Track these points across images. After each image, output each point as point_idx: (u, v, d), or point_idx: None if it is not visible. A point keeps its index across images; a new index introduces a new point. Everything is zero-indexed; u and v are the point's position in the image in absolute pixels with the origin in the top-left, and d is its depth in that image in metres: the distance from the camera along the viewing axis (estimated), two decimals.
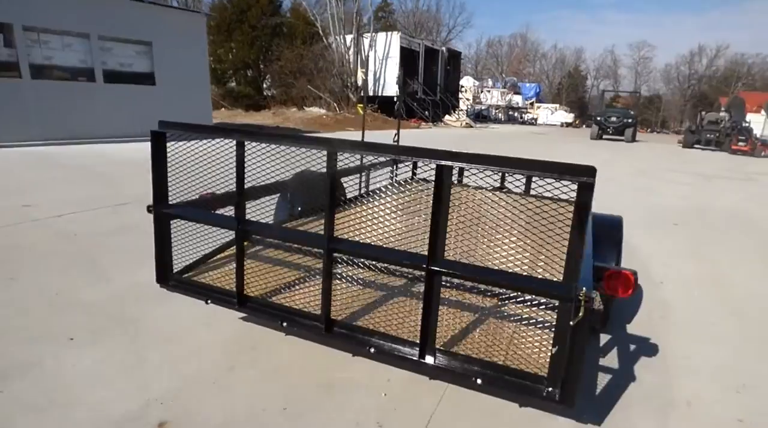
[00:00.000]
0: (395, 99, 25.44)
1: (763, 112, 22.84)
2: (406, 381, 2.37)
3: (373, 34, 25.30)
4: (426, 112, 27.29)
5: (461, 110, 33.44)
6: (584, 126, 42.94)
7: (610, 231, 3.05)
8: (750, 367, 2.72)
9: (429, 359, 1.92)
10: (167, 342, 2.61)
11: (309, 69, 24.14)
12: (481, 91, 47.75)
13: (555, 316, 2.24)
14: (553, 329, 1.78)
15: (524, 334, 2.06)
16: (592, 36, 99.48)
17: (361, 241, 2.09)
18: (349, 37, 24.76)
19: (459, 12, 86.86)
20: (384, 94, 26.12)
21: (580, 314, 1.65)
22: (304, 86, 23.79)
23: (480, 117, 39.89)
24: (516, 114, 47.33)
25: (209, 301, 2.35)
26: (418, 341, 1.92)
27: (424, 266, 1.83)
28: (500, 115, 45.23)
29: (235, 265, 2.24)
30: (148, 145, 2.30)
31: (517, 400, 2.24)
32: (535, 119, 43.09)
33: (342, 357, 2.55)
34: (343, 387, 2.32)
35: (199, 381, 2.28)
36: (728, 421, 2.24)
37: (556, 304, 1.79)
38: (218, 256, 2.74)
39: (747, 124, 17.34)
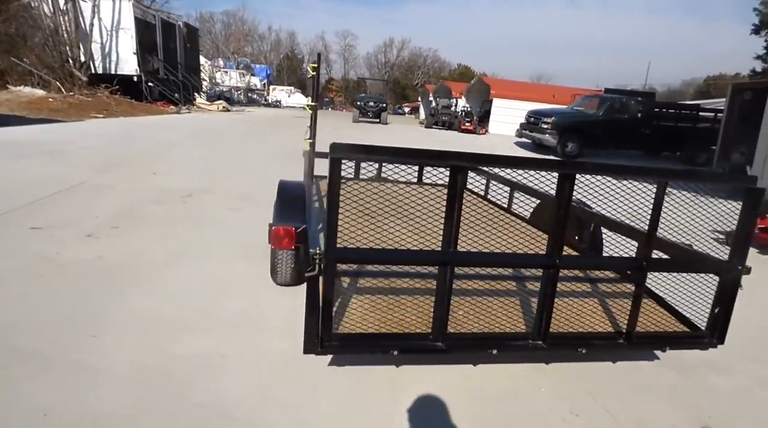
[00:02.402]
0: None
1: (463, 97, 29.25)
2: (537, 372, 2.60)
3: None
4: (175, 95, 24.45)
5: (204, 92, 31.19)
6: (327, 108, 46.14)
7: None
8: None
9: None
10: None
11: (8, 36, 18.26)
12: (217, 71, 45.54)
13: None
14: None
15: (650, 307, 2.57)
16: (303, 21, 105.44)
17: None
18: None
19: None
20: (121, 73, 22.11)
21: (741, 283, 2.24)
22: (5, 58, 17.94)
23: (222, 99, 38.00)
24: (255, 96, 46.99)
25: (396, 352, 2.00)
26: (623, 331, 2.20)
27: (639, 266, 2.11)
28: (242, 97, 44.10)
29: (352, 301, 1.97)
30: None
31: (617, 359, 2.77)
32: (279, 101, 43.73)
33: (461, 369, 2.57)
34: (501, 394, 2.39)
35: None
36: None
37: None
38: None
39: (469, 109, 22.26)
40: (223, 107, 25.48)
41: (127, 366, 2.35)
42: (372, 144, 1.81)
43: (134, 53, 22.54)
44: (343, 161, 1.77)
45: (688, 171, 2.04)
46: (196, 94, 28.20)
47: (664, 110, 15.68)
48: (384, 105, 23.77)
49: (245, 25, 67.99)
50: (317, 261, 1.82)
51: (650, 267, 2.16)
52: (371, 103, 23.26)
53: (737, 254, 2.23)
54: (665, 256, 2.57)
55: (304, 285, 3.36)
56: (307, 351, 1.94)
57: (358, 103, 23.45)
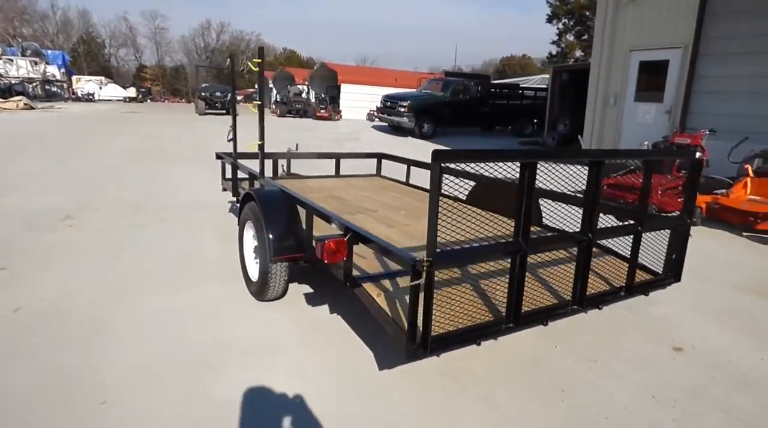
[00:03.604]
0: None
1: (306, 83, 29.06)
2: (541, 335, 3.01)
3: None
4: None
5: None
6: (146, 99, 41.11)
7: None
8: None
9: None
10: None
11: None
12: None
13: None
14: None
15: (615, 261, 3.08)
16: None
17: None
18: None
19: None
20: None
21: (691, 233, 2.88)
22: None
23: (12, 93, 31.21)
24: (55, 88, 39.75)
25: (480, 342, 2.12)
26: (623, 286, 2.66)
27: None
28: (38, 90, 36.84)
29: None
30: None
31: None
32: (92, 94, 37.63)
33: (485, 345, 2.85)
34: (532, 358, 2.73)
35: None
36: None
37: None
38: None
39: (324, 96, 22.16)
40: (25, 104, 21.05)
41: (175, 424, 2.01)
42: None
43: None
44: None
45: (657, 150, 2.52)
46: None
47: (498, 90, 17.93)
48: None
49: (18, 1, 55.54)
50: (424, 268, 1.81)
51: (644, 230, 2.64)
52: (218, 94, 21.60)
53: (686, 211, 2.86)
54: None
55: (287, 297, 3.28)
56: (410, 358, 1.94)
57: (203, 93, 21.55)
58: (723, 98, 8.27)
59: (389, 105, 16.49)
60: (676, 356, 2.82)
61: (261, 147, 3.80)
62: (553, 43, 28.48)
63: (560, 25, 27.61)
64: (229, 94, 22.23)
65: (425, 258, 1.81)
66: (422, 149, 12.99)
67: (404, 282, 2.49)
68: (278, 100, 23.51)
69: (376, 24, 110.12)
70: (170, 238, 4.58)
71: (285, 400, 2.23)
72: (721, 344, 2.99)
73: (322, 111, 20.89)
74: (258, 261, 3.24)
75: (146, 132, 14.72)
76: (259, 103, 3.75)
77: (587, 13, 26.19)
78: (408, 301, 2.27)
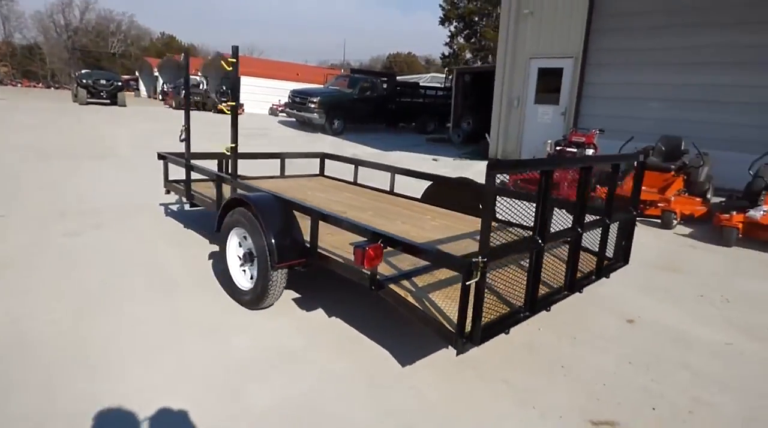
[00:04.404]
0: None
1: (200, 74, 27.27)
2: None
3: None
4: None
5: None
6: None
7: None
8: None
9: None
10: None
11: None
12: None
13: None
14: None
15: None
16: None
17: None
18: None
19: None
20: None
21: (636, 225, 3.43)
22: None
23: None
24: None
25: (508, 330, 2.35)
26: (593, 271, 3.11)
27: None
28: None
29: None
30: None
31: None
32: None
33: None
34: (524, 341, 3.08)
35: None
36: None
37: None
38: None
39: (225, 89, 20.86)
40: None
41: None
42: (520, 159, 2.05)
43: None
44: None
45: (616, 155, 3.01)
46: None
47: (402, 88, 18.55)
48: (120, 83, 20.09)
49: None
50: (479, 268, 1.98)
51: (611, 221, 3.09)
52: (103, 81, 19.28)
53: (632, 204, 3.40)
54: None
55: (276, 304, 3.24)
56: (460, 351, 2.10)
57: (85, 80, 19.07)
58: (606, 102, 9.60)
59: (298, 100, 16.22)
60: (631, 327, 3.36)
61: (234, 149, 3.64)
62: (446, 44, 30.23)
63: (452, 28, 29.40)
64: (117, 83, 20.23)
65: (480, 259, 1.99)
66: (336, 146, 13.05)
67: (421, 280, 2.64)
68: (165, 89, 21.78)
69: (258, 12, 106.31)
70: (115, 246, 4.17)
71: (323, 402, 2.26)
72: (659, 313, 3.60)
73: (223, 105, 19.79)
74: (249, 268, 3.16)
75: (30, 123, 12.81)
76: (234, 103, 3.58)
77: (476, 18, 28.22)
78: (436, 298, 2.46)
